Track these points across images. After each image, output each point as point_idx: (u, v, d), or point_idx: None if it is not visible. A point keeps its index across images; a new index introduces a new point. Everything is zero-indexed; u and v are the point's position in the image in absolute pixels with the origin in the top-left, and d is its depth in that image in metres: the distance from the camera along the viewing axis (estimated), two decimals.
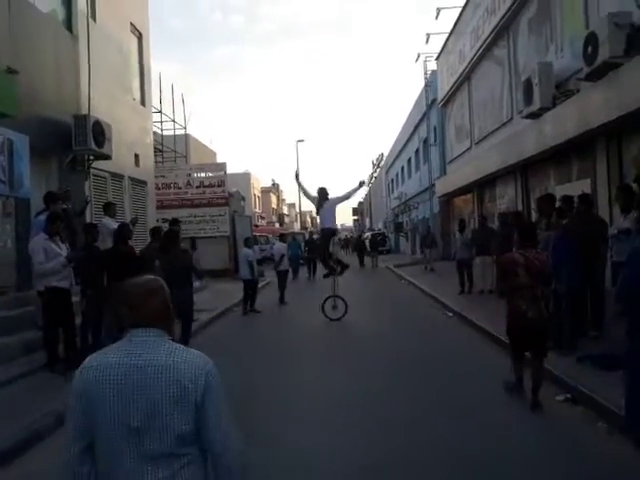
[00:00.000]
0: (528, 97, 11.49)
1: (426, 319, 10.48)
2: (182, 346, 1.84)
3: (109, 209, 9.54)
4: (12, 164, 8.48)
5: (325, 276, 11.42)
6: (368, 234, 39.62)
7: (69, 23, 10.62)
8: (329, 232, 10.89)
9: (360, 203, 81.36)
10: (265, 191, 60.39)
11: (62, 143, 9.99)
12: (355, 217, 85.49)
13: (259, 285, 16.29)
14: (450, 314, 10.65)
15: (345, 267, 11.12)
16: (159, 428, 1.68)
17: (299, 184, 11.22)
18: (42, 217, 7.39)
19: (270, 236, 32.75)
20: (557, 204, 7.38)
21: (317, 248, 11.15)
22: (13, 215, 8.67)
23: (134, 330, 1.78)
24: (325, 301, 10.55)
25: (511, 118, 14.31)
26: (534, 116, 11.53)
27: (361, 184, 11.00)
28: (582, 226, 6.60)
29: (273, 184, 66.11)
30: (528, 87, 11.45)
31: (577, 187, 10.56)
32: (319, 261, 10.98)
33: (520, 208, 13.63)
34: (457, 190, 20.32)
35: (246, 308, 12.33)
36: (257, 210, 50.37)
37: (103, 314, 7.30)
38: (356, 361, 7.31)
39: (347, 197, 10.91)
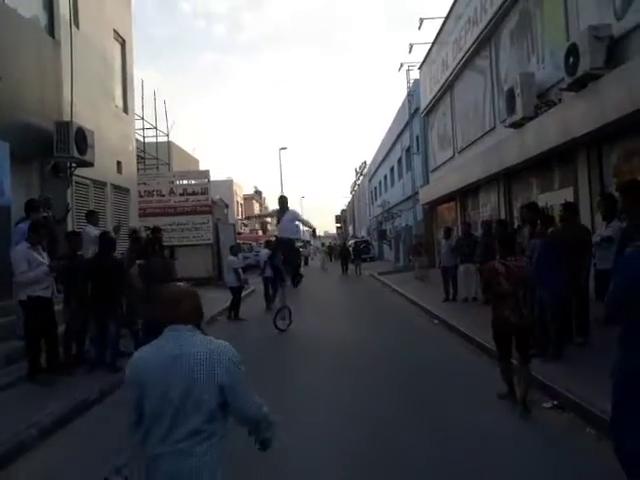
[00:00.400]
0: (510, 107, 11.65)
1: (411, 326, 10.50)
2: (210, 337, 2.27)
3: (92, 217, 9.41)
4: None
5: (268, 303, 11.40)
6: (352, 242, 39.75)
7: (51, 29, 10.48)
8: (286, 241, 10.44)
9: (343, 211, 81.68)
10: (248, 198, 60.25)
11: (43, 150, 9.84)
12: (338, 224, 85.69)
13: (243, 293, 16.32)
14: (435, 321, 10.69)
15: (299, 278, 10.98)
16: (191, 405, 2.11)
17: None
18: (23, 225, 7.26)
19: (254, 243, 32.65)
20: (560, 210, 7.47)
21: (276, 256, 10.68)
22: None
23: (172, 326, 2.23)
24: (277, 314, 10.41)
25: (494, 127, 14.49)
26: (516, 125, 11.69)
27: (314, 233, 12.02)
28: (567, 234, 6.69)
29: (256, 191, 66.00)
30: (510, 97, 11.62)
31: (560, 195, 10.73)
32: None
33: (503, 216, 13.78)
34: (440, 198, 20.47)
35: (231, 315, 12.39)
36: (240, 218, 50.16)
37: (87, 323, 7.21)
38: (340, 369, 7.28)
39: (302, 223, 10.86)
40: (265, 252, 15.08)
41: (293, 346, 9.36)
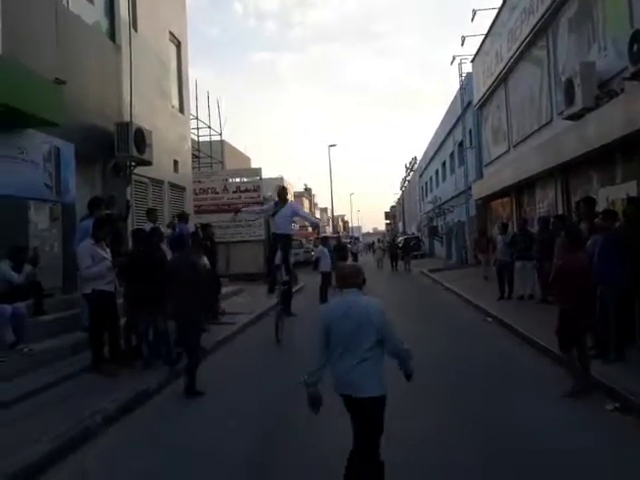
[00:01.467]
0: (569, 98, 11.21)
1: (463, 325, 10.33)
2: (369, 296, 3.53)
3: (151, 215, 9.79)
4: (59, 171, 8.77)
5: (269, 291, 10.01)
6: (401, 238, 39.36)
7: (112, 33, 10.92)
8: (282, 238, 9.51)
9: (392, 207, 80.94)
10: (298, 196, 60.68)
11: (105, 150, 10.28)
12: (387, 221, 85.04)
13: (294, 288, 16.59)
14: (489, 319, 10.47)
15: (288, 294, 9.93)
16: (358, 340, 3.30)
17: (244, 213, 11.50)
18: (86, 222, 7.58)
19: (303, 240, 32.92)
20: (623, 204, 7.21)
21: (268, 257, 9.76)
22: (60, 220, 8.94)
23: (346, 290, 3.48)
24: (276, 321, 9.15)
25: (551, 120, 14.00)
26: (575, 117, 11.24)
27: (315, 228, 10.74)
28: (631, 230, 6.40)
29: (306, 189, 66.41)
30: (569, 87, 11.18)
31: (622, 190, 10.25)
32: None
33: (561, 212, 13.31)
34: (494, 193, 19.96)
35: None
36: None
37: (144, 316, 7.39)
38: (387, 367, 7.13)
39: (304, 218, 10.47)
40: (320, 249, 15.72)
41: None
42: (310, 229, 53.94)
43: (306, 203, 65.04)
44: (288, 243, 9.65)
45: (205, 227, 11.01)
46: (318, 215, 74.92)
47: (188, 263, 6.35)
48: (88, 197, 8.66)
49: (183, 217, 10.74)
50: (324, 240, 16.87)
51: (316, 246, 16.59)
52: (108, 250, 7.07)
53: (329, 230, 58.75)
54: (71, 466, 4.30)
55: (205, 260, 8.84)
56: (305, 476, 4.03)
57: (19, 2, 8.01)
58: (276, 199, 10.06)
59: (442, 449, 4.34)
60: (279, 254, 9.46)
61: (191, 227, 11.25)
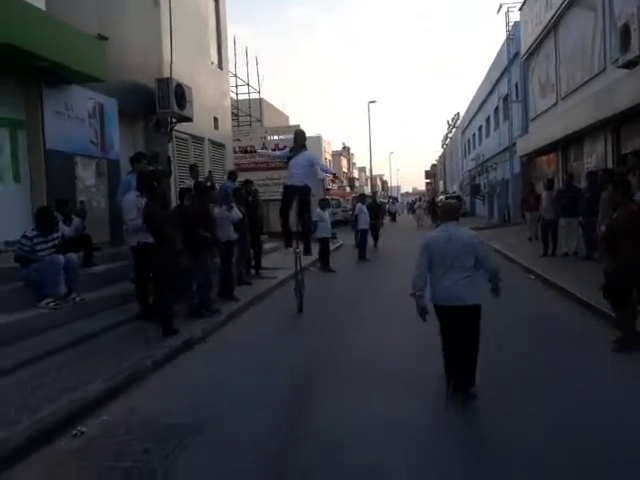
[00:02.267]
0: (625, 44, 10.57)
1: (506, 281, 10.10)
2: (465, 227, 4.57)
3: (193, 171, 9.95)
4: (103, 127, 8.97)
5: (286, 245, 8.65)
6: (442, 197, 38.68)
7: None
8: (298, 191, 7.78)
9: (433, 166, 79.44)
10: (336, 155, 60.11)
11: (146, 106, 10.39)
12: (428, 180, 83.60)
13: (333, 247, 16.70)
14: (532, 277, 10.28)
15: (307, 250, 8.22)
16: (460, 262, 4.18)
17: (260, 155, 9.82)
18: (129, 176, 7.76)
19: (341, 199, 32.80)
20: None
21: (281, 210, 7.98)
22: (105, 175, 9.17)
23: (446, 222, 4.41)
24: (297, 284, 7.98)
25: (604, 69, 13.27)
26: (631, 65, 10.62)
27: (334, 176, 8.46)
28: None
29: (344, 147, 65.63)
30: (625, 33, 10.53)
31: None
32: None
33: (610, 167, 12.76)
34: (540, 149, 19.28)
35: (324, 264, 12.78)
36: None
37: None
38: (429, 323, 6.95)
39: (322, 169, 8.14)
40: (359, 206, 15.72)
41: (382, 294, 9.40)
42: (348, 188, 53.80)
43: (344, 162, 64.45)
44: (306, 197, 7.89)
45: (246, 183, 11.16)
46: (356, 174, 74.28)
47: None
48: (131, 153, 8.83)
49: (232, 175, 11.11)
50: (361, 197, 16.98)
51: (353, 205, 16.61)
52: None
53: (367, 190, 58.21)
54: (121, 404, 4.55)
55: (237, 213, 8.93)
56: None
57: None
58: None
59: (506, 418, 4.07)
60: (294, 211, 7.96)
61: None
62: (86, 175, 8.70)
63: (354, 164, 75.54)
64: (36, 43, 6.77)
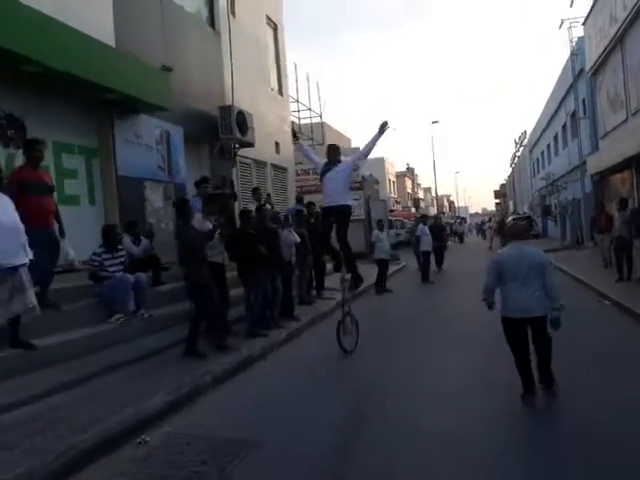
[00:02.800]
0: None
1: (578, 307, 9.43)
2: (533, 246, 5.05)
3: (256, 194, 10.32)
4: (170, 153, 9.46)
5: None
6: (511, 218, 37.46)
7: (212, 20, 11.50)
8: (336, 212, 6.78)
9: (502, 185, 77.32)
10: (400, 176, 59.95)
11: (210, 133, 10.89)
12: (497, 200, 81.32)
13: (395, 268, 16.60)
14: (607, 302, 9.64)
15: (357, 279, 7.05)
16: (531, 278, 4.53)
17: (300, 146, 8.41)
18: (194, 200, 8.11)
19: (405, 220, 32.54)
20: None
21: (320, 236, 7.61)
22: (172, 199, 9.61)
23: (515, 241, 4.78)
24: (339, 325, 6.72)
25: None
26: None
27: (383, 127, 6.76)
28: None
29: (408, 168, 65.33)
30: None
31: None
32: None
33: None
34: (612, 167, 18.39)
35: (378, 287, 12.64)
36: (392, 195, 50.22)
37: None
38: (490, 350, 6.26)
39: (367, 151, 7.10)
40: (421, 227, 15.49)
41: (443, 316, 9.23)
42: (413, 209, 53.28)
43: (408, 183, 64.13)
44: (344, 219, 6.81)
45: (309, 205, 11.38)
46: (421, 195, 73.58)
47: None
48: (197, 177, 9.24)
49: (298, 199, 12.18)
50: (422, 218, 16.72)
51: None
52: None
53: (433, 210, 57.48)
54: (182, 417, 4.70)
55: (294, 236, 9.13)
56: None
57: None
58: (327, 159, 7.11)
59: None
60: (334, 235, 6.98)
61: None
62: (154, 198, 9.18)
63: (419, 185, 74.94)
64: (107, 77, 7.32)
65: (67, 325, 5.97)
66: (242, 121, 11.17)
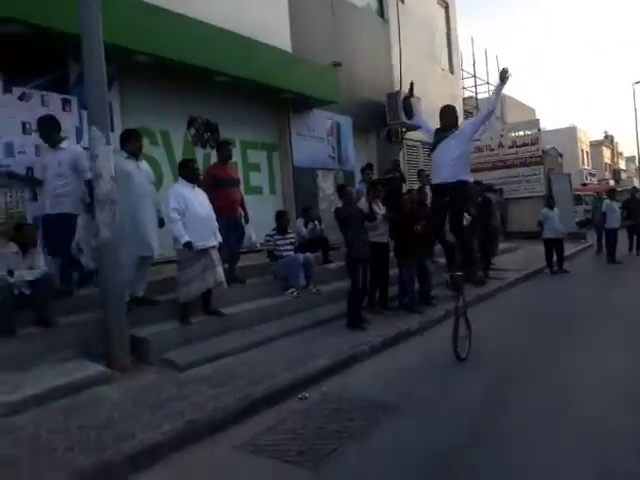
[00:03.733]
0: None
1: None
2: None
3: (420, 175, 10.71)
4: (340, 143, 10.29)
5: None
6: None
7: (381, 10, 11.95)
8: (450, 190, 5.32)
9: None
10: (595, 145, 53.89)
11: (378, 119, 11.47)
12: None
13: (579, 247, 15.53)
14: None
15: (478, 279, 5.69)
16: None
17: (409, 114, 7.25)
18: (360, 185, 8.80)
19: (599, 195, 29.53)
20: None
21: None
22: None
23: None
24: (456, 326, 5.68)
25: None
26: None
27: (503, 74, 5.22)
28: None
29: (606, 136, 58.35)
30: None
31: None
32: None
33: None
34: None
35: (553, 267, 12.06)
36: (586, 167, 45.61)
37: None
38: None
39: (492, 107, 5.64)
40: (607, 202, 14.24)
41: (611, 305, 8.55)
42: (612, 182, 47.73)
43: (606, 152, 57.39)
44: (461, 200, 5.35)
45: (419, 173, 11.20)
46: (622, 165, 65.26)
47: None
48: (364, 163, 9.89)
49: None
50: (610, 193, 15.13)
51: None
52: (382, 206, 8.04)
53: (637, 183, 50.82)
54: (339, 379, 5.42)
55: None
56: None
57: (302, 3, 9.51)
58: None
59: None
60: (449, 218, 5.58)
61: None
62: (326, 185, 10.10)
63: (620, 154, 66.49)
64: (285, 80, 8.34)
65: (250, 297, 7.14)
66: (409, 106, 11.48)
